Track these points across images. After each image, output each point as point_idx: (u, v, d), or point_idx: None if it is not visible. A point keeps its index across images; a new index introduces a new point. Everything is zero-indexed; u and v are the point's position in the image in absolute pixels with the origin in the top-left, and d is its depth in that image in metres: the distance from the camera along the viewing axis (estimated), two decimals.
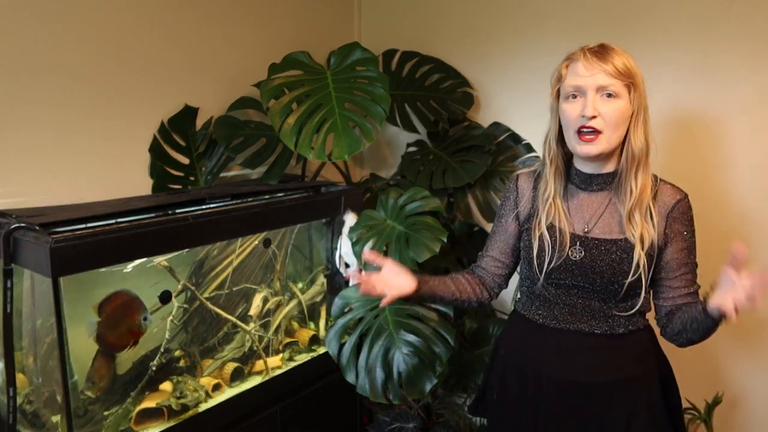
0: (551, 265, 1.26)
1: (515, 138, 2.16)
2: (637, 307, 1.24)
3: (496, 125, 2.19)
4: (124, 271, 1.42)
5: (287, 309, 1.86)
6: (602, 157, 1.22)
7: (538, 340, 1.32)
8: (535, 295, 1.32)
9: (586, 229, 1.25)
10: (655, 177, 1.25)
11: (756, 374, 1.81)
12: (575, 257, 1.24)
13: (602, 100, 1.16)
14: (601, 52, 1.18)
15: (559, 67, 1.23)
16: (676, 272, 1.24)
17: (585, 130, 1.18)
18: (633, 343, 1.27)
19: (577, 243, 1.24)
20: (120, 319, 1.41)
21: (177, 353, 1.59)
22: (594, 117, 1.16)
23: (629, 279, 1.20)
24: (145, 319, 1.45)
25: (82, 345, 1.36)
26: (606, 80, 1.15)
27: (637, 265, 1.19)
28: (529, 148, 2.13)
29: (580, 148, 1.19)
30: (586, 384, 1.26)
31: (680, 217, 1.22)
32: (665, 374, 1.32)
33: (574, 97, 1.19)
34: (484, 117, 2.24)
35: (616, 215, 1.24)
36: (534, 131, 2.12)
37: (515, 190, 1.37)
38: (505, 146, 2.17)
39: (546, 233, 1.27)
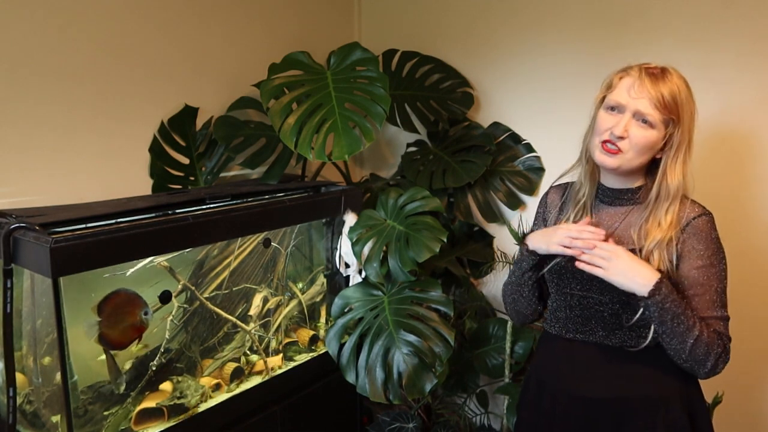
0: (553, 263, 1.27)
1: (515, 138, 2.16)
2: (638, 326, 1.18)
3: (496, 125, 2.19)
4: (126, 274, 1.42)
5: (287, 309, 1.85)
6: (619, 172, 1.21)
7: (555, 351, 1.32)
8: (554, 307, 1.33)
9: None
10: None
11: (756, 374, 1.81)
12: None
13: (636, 124, 1.15)
14: (656, 75, 1.15)
15: (613, 76, 1.22)
16: (687, 291, 1.18)
17: (609, 144, 1.17)
18: (651, 359, 1.21)
19: None
20: (120, 316, 1.41)
21: (180, 351, 1.59)
22: (622, 138, 1.15)
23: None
24: (146, 313, 1.45)
25: (82, 345, 1.36)
26: (647, 108, 1.13)
27: None
28: (529, 148, 2.13)
29: (598, 155, 1.20)
30: (600, 399, 1.23)
31: (695, 234, 1.17)
32: (691, 395, 1.23)
33: (613, 110, 1.18)
34: (484, 117, 2.24)
35: (630, 227, 1.22)
36: (534, 131, 2.13)
37: (544, 204, 1.41)
38: (505, 146, 2.17)
39: None
